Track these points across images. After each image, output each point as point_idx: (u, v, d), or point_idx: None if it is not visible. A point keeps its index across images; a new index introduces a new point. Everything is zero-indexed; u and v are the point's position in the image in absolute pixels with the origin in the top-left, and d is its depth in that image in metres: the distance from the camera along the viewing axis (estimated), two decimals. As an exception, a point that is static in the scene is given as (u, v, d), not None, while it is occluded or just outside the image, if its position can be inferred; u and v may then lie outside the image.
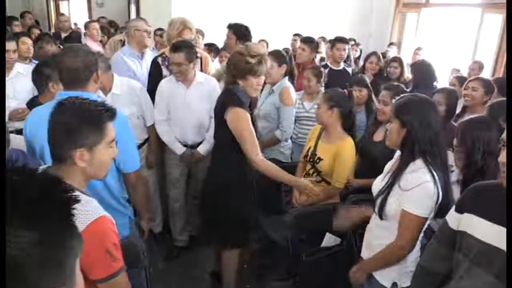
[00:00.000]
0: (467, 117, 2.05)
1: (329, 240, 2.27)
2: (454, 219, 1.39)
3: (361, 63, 5.29)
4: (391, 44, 6.03)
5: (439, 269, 1.45)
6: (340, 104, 2.36)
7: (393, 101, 1.79)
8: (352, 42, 6.03)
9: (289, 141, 3.09)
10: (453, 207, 1.42)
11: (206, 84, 2.76)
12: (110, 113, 1.27)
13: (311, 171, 2.44)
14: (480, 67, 4.63)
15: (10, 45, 2.88)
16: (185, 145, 2.79)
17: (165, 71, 2.99)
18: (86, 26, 5.39)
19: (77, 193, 1.14)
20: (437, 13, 6.37)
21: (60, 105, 1.25)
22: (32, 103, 2.37)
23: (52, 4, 8.19)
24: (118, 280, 1.21)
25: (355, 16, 7.29)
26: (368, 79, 3.52)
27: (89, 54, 1.75)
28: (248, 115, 2.08)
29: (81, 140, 1.21)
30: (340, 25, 7.17)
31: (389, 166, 1.80)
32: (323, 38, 5.74)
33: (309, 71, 3.27)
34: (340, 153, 2.32)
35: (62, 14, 8.11)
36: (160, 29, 4.78)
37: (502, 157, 1.17)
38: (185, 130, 2.76)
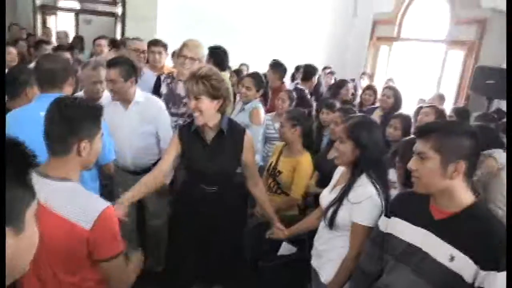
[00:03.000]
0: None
1: (285, 248, 2.42)
2: (383, 223, 1.58)
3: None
4: (363, 74, 6.39)
5: (372, 268, 1.62)
6: (302, 122, 2.57)
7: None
8: (328, 70, 6.37)
9: (259, 158, 3.27)
10: (383, 213, 1.62)
11: (148, 104, 2.52)
12: (101, 108, 1.43)
13: (272, 184, 2.62)
14: (441, 98, 4.98)
15: None
16: (127, 171, 2.57)
17: (163, 88, 3.03)
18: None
19: (76, 183, 1.31)
20: (406, 47, 6.81)
21: (59, 103, 1.36)
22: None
23: (39, 18, 8.32)
24: (119, 261, 1.36)
25: (332, 46, 7.68)
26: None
27: (66, 60, 1.95)
28: None
29: (85, 132, 1.34)
30: (317, 52, 7.54)
31: (334, 180, 1.98)
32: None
33: (285, 94, 3.52)
34: (298, 167, 2.51)
35: (46, 27, 8.26)
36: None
37: (410, 165, 1.38)
38: (125, 153, 2.50)
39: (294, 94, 3.60)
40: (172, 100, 3.01)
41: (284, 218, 2.30)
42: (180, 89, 2.99)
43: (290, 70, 6.59)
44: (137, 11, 6.33)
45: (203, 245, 2.13)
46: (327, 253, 1.92)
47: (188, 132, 2.06)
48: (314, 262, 2.02)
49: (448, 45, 6.12)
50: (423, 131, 1.37)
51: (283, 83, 4.28)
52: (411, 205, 1.47)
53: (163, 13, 6.32)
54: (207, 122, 1.99)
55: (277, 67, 4.16)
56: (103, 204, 1.33)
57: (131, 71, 2.43)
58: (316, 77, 4.78)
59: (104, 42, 5.10)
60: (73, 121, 1.32)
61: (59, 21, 9.98)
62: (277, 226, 2.17)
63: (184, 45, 2.93)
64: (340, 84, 4.36)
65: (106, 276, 1.37)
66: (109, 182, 2.65)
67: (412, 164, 1.38)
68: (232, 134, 2.06)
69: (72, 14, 10.23)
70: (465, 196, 1.32)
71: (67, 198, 1.30)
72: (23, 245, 0.68)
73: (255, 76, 3.30)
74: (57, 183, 1.31)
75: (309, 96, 4.39)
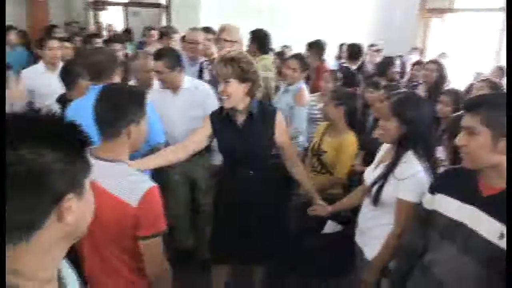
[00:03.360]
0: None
1: (330, 227, 2.43)
2: (428, 200, 1.55)
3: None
4: (413, 49, 6.10)
5: (416, 245, 1.59)
6: (345, 101, 2.54)
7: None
8: (374, 48, 6.15)
9: (303, 139, 3.27)
10: (428, 190, 1.58)
11: (196, 90, 2.65)
12: (144, 93, 1.52)
13: (316, 164, 2.63)
14: (502, 71, 4.65)
15: (54, 43, 3.47)
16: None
17: (206, 74, 3.08)
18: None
19: (125, 163, 1.41)
20: (461, 18, 6.39)
21: (106, 90, 1.48)
22: (61, 99, 2.63)
23: (90, 13, 8.79)
24: (158, 240, 1.43)
25: (377, 21, 7.40)
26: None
27: (111, 52, 2.09)
28: None
29: (132, 116, 1.43)
30: (362, 29, 7.30)
31: (379, 157, 1.96)
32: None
33: (329, 74, 3.48)
34: (342, 147, 2.49)
35: (97, 22, 8.73)
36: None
37: (458, 141, 1.33)
38: (174, 137, 2.54)
39: (339, 73, 3.55)
40: (215, 85, 3.03)
41: (329, 197, 2.30)
42: None
43: (334, 49, 6.52)
44: (181, 1, 6.47)
45: (245, 227, 2.16)
46: (371, 230, 1.92)
47: (220, 116, 2.09)
48: (358, 239, 2.02)
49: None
50: (472, 105, 1.31)
51: (323, 62, 4.21)
52: (458, 181, 1.43)
53: (206, 1, 6.41)
54: (235, 105, 2.00)
55: (315, 46, 4.09)
56: (149, 183, 1.41)
57: (176, 61, 2.56)
58: (363, 55, 4.63)
59: (154, 33, 5.47)
60: (121, 106, 1.41)
61: (109, 15, 10.45)
62: (319, 203, 2.19)
63: (222, 29, 2.96)
64: (387, 62, 4.18)
65: (144, 254, 1.43)
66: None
67: (460, 140, 1.33)
68: (263, 116, 2.07)
69: (121, 8, 10.65)
70: None
71: (117, 178, 1.40)
72: (83, 208, 0.76)
73: (299, 57, 3.28)
74: (108, 164, 1.41)
75: (355, 75, 4.28)
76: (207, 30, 3.92)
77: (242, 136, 2.05)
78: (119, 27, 9.55)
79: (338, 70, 3.86)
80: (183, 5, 6.38)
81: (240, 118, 2.06)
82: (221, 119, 2.07)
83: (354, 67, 4.48)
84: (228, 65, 1.92)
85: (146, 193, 1.38)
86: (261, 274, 2.48)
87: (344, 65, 4.80)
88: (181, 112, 2.61)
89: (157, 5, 8.56)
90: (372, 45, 6.34)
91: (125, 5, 10.36)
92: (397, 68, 4.08)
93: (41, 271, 0.74)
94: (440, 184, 1.51)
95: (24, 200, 0.66)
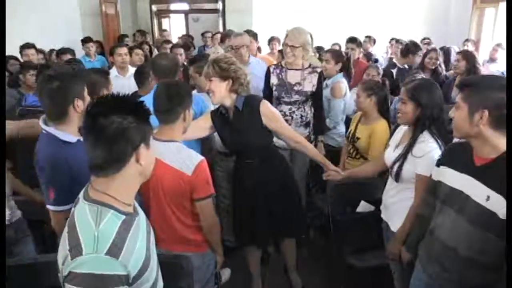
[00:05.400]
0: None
1: (364, 207, 2.69)
2: (434, 172, 1.78)
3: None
4: (466, 41, 6.02)
5: (427, 213, 1.83)
6: (376, 92, 2.79)
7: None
8: (426, 41, 6.17)
9: (342, 128, 3.54)
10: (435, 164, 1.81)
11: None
12: (190, 86, 1.98)
13: (351, 150, 2.90)
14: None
15: (122, 50, 4.08)
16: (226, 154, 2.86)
17: (273, 79, 3.06)
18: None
19: (180, 142, 1.86)
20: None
21: (165, 86, 1.89)
22: (135, 96, 3.21)
23: (155, 21, 9.58)
24: (210, 200, 1.86)
25: (432, 15, 7.34)
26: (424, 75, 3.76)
27: (174, 57, 2.57)
28: None
29: (187, 103, 1.85)
30: (414, 25, 7.29)
31: (397, 139, 2.19)
32: (369, 37, 6.27)
33: (373, 69, 3.74)
34: (375, 132, 2.74)
35: (165, 30, 9.52)
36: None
37: (449, 113, 1.58)
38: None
39: (383, 68, 3.76)
40: (284, 89, 3.03)
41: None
42: (290, 77, 3.03)
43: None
44: (234, 6, 6.98)
45: (260, 208, 2.41)
46: (395, 204, 2.16)
47: (217, 113, 2.33)
48: (383, 215, 2.27)
49: None
50: (460, 85, 1.56)
51: (365, 57, 4.39)
52: (457, 155, 1.66)
53: (258, 6, 6.86)
54: (221, 101, 2.25)
55: (353, 41, 4.36)
56: (200, 157, 1.84)
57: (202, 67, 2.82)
58: (418, 54, 4.49)
59: (209, 34, 6.30)
60: (179, 96, 1.84)
61: (172, 23, 11.27)
62: (331, 168, 2.42)
63: (286, 34, 3.01)
64: (425, 53, 4.25)
65: (200, 213, 1.87)
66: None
67: (451, 113, 1.58)
68: (249, 109, 2.26)
69: (182, 15, 11.44)
70: (500, 143, 1.46)
71: (175, 153, 1.82)
72: (149, 156, 1.17)
73: (331, 50, 3.65)
74: (168, 143, 1.83)
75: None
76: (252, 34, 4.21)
77: (233, 129, 2.30)
78: (181, 33, 10.33)
79: (387, 67, 4.05)
80: (235, 10, 6.90)
81: (231, 114, 2.30)
82: (218, 115, 2.33)
83: (402, 65, 4.56)
84: (210, 66, 2.20)
85: (198, 164, 1.80)
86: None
87: (394, 60, 4.94)
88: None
89: (215, 11, 9.15)
90: (424, 39, 6.36)
91: (186, 12, 11.13)
92: (433, 57, 4.11)
93: (124, 196, 1.15)
94: (444, 158, 1.75)
95: (117, 146, 1.08)
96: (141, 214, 1.26)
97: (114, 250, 1.03)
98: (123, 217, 1.12)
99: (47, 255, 2.06)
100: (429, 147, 1.95)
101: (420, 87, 2.02)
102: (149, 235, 1.26)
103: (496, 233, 1.43)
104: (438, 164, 1.76)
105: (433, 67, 4.11)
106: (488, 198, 1.45)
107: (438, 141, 1.97)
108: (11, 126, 2.11)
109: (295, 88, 3.01)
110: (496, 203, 1.42)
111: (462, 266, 1.57)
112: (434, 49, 4.30)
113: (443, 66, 4.19)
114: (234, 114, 2.29)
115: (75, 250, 1.02)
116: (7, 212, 2.06)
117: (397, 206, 2.14)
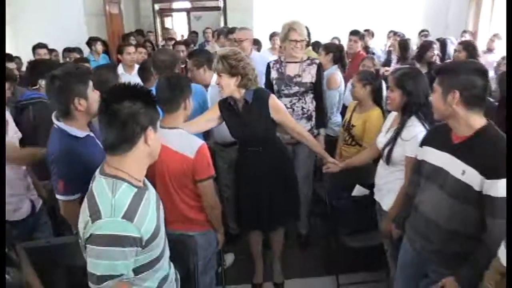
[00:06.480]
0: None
1: (359, 190, 2.81)
2: (419, 152, 1.91)
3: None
4: (463, 32, 6.11)
5: (412, 191, 1.96)
6: (371, 81, 2.91)
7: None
8: (423, 33, 6.26)
9: (339, 118, 3.66)
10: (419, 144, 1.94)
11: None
12: (188, 77, 2.12)
13: (347, 137, 3.03)
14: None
15: (131, 49, 4.25)
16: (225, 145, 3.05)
17: (273, 74, 3.10)
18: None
19: (182, 129, 2.04)
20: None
21: (166, 78, 2.05)
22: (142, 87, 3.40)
23: (158, 20, 9.73)
24: (210, 181, 2.02)
25: (431, 7, 7.42)
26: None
27: (173, 52, 2.78)
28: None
29: (187, 93, 2.01)
30: (414, 17, 7.37)
31: (388, 124, 2.33)
32: (368, 31, 6.35)
33: (368, 60, 3.84)
34: (369, 120, 2.86)
35: (167, 28, 9.67)
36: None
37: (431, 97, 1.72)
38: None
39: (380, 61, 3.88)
40: (283, 82, 3.07)
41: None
42: (290, 70, 3.06)
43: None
44: (235, 3, 7.11)
45: (261, 195, 2.51)
46: (386, 185, 2.29)
47: (225, 103, 2.41)
48: (376, 196, 2.41)
49: None
50: (436, 71, 1.70)
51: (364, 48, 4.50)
52: (438, 135, 1.79)
53: (258, 3, 7.00)
54: (231, 94, 2.33)
55: (355, 34, 4.48)
56: (200, 141, 2.00)
57: (203, 60, 2.93)
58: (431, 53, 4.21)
59: (209, 30, 6.58)
60: (180, 86, 2.00)
61: (174, 21, 11.41)
62: (330, 161, 2.56)
63: (291, 29, 2.97)
64: (425, 46, 4.25)
65: (202, 193, 2.02)
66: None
67: (431, 96, 1.72)
68: (258, 102, 2.35)
69: (185, 13, 11.57)
70: (474, 121, 1.59)
71: (178, 138, 1.97)
72: (156, 140, 1.32)
73: (324, 44, 3.84)
74: (171, 130, 1.98)
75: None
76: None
77: (242, 120, 2.39)
78: (183, 31, 10.48)
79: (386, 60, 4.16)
80: (236, 8, 7.03)
81: (240, 106, 2.38)
82: (226, 106, 2.40)
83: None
84: (219, 62, 2.25)
85: (200, 148, 1.95)
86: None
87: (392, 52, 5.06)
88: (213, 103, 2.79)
89: (217, 8, 9.28)
90: (422, 31, 6.45)
91: (188, 10, 11.26)
92: (435, 51, 4.18)
93: (136, 172, 1.31)
94: (427, 138, 1.89)
95: (128, 128, 1.24)
96: (151, 190, 1.43)
97: (129, 215, 1.21)
98: (135, 189, 1.28)
99: (59, 238, 2.25)
100: (416, 131, 2.08)
101: (406, 75, 2.16)
102: (159, 209, 1.42)
103: (474, 204, 1.57)
104: (421, 144, 1.90)
105: (432, 60, 4.12)
106: (463, 172, 1.59)
107: (425, 125, 2.10)
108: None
109: (295, 80, 3.05)
110: (471, 177, 1.55)
111: (445, 237, 1.70)
112: (433, 42, 4.28)
113: (439, 56, 4.27)
114: (243, 106, 2.38)
115: (95, 215, 1.19)
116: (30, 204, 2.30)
117: (388, 187, 2.28)
